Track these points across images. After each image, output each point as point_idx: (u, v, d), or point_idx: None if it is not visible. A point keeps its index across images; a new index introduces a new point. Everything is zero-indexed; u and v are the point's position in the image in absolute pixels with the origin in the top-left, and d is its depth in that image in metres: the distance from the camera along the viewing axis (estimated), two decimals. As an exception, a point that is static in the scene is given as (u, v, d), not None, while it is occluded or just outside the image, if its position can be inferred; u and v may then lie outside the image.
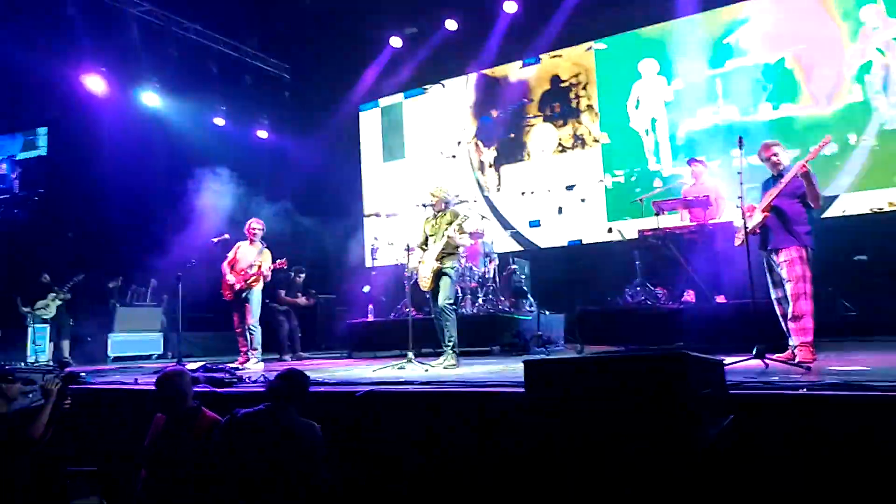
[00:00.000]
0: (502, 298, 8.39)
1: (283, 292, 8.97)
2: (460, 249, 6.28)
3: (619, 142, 9.78)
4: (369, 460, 3.90)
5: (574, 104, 10.26)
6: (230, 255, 7.48)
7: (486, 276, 8.48)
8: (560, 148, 10.34)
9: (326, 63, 11.50)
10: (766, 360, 4.33)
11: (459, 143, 11.20)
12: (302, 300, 9.27)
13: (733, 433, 2.73)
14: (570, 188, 10.13)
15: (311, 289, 9.69)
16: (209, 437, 3.43)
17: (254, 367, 6.91)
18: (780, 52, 8.53)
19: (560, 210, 10.17)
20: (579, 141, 10.18)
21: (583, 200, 9.97)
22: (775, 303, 4.89)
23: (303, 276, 9.34)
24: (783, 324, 4.81)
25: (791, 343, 4.69)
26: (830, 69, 8.24)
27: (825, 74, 8.28)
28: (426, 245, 6.27)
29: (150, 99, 10.46)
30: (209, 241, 7.82)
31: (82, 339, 10.08)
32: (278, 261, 7.36)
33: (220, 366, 5.91)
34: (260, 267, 7.29)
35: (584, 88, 10.18)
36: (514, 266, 8.72)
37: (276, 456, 3.17)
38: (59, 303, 9.68)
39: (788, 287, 4.67)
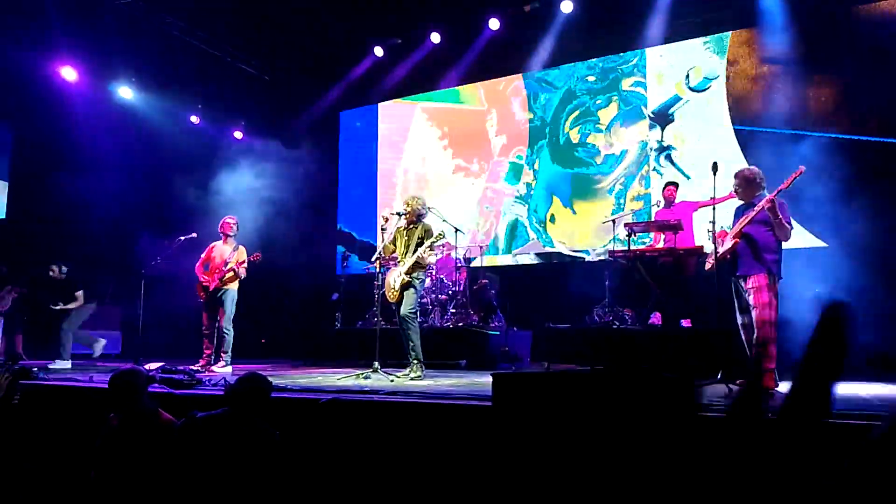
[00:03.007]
0: (471, 312, 8.37)
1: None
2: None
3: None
4: (330, 469, 3.82)
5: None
6: (203, 255, 7.32)
7: (457, 289, 8.45)
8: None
9: (307, 67, 11.42)
10: (730, 385, 4.38)
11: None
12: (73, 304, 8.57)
13: (702, 453, 2.72)
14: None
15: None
16: (164, 438, 3.32)
17: (221, 371, 6.73)
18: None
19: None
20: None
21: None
22: (741, 328, 4.95)
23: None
24: (747, 349, 4.87)
25: (755, 369, 4.74)
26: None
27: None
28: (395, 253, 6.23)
29: (125, 93, 10.26)
30: (177, 240, 7.64)
31: (37, 335, 9.74)
32: (252, 255, 7.27)
33: (180, 367, 5.75)
34: (236, 263, 7.16)
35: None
36: (485, 280, 8.71)
37: (231, 461, 3.07)
38: (15, 296, 9.38)
39: (754, 313, 4.73)
